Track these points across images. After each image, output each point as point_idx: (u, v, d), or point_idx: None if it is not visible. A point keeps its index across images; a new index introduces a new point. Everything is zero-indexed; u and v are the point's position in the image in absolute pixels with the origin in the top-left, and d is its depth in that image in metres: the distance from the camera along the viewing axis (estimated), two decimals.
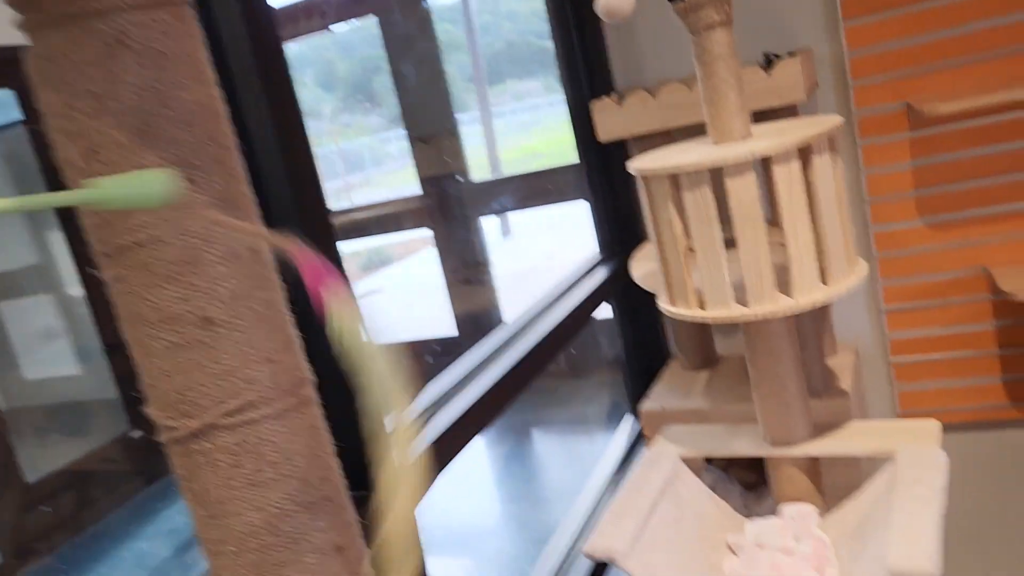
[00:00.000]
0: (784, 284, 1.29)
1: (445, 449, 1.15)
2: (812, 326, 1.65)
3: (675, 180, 1.28)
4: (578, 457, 3.43)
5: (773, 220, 1.32)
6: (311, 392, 0.58)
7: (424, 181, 3.63)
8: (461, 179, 3.61)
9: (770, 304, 1.27)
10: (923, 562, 1.05)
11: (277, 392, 0.55)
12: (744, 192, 1.20)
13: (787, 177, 1.20)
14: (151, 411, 0.54)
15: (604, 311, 2.09)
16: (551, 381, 3.52)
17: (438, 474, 1.13)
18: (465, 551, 3.07)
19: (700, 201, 1.24)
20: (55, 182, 0.46)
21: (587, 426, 3.29)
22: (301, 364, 0.57)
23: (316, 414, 0.58)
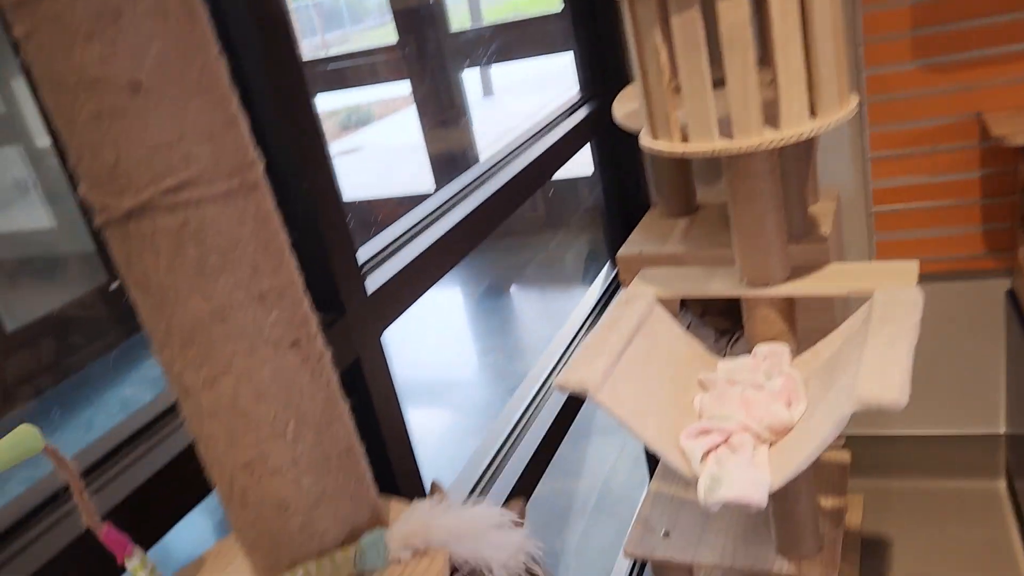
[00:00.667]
0: (771, 119, 1.24)
1: (414, 282, 1.12)
2: (795, 169, 1.61)
3: (663, 3, 1.20)
4: (557, 312, 3.45)
5: (763, 59, 1.26)
6: (259, 177, 0.53)
7: (400, 27, 3.47)
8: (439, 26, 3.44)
9: (755, 137, 1.22)
10: (892, 392, 1.06)
11: (219, 172, 0.51)
12: (735, 13, 1.13)
13: None
14: (83, 190, 0.50)
15: (585, 167, 2.03)
16: (531, 237, 3.50)
17: (410, 304, 1.11)
18: (442, 401, 3.13)
19: (688, 25, 1.17)
20: None
21: (567, 283, 3.29)
22: (247, 145, 0.53)
23: (265, 201, 0.54)
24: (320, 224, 0.90)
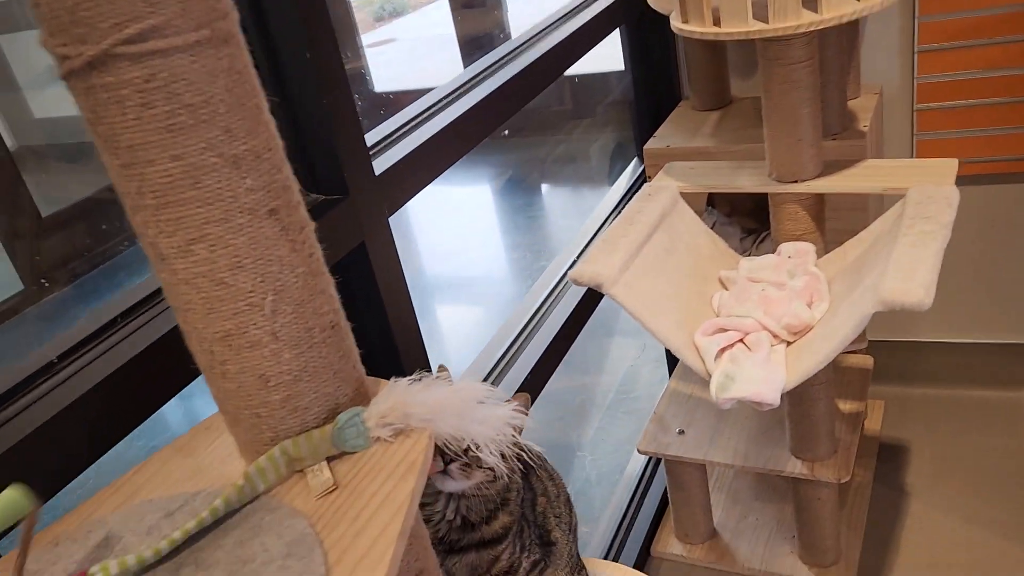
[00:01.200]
0: (811, 1, 1.16)
1: (427, 165, 1.09)
2: (836, 60, 1.52)
3: None
4: (587, 210, 3.40)
5: None
6: (233, 29, 0.50)
7: None
8: None
9: (792, 19, 1.14)
10: (916, 293, 1.02)
11: (188, 21, 0.47)
12: None
13: None
14: (43, 38, 0.47)
15: (616, 62, 1.94)
16: (560, 133, 3.41)
17: (421, 188, 1.07)
18: (469, 298, 3.13)
19: None
20: None
21: (597, 180, 3.22)
22: None
23: (240, 56, 0.50)
24: (323, 99, 0.86)
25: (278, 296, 0.54)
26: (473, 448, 0.60)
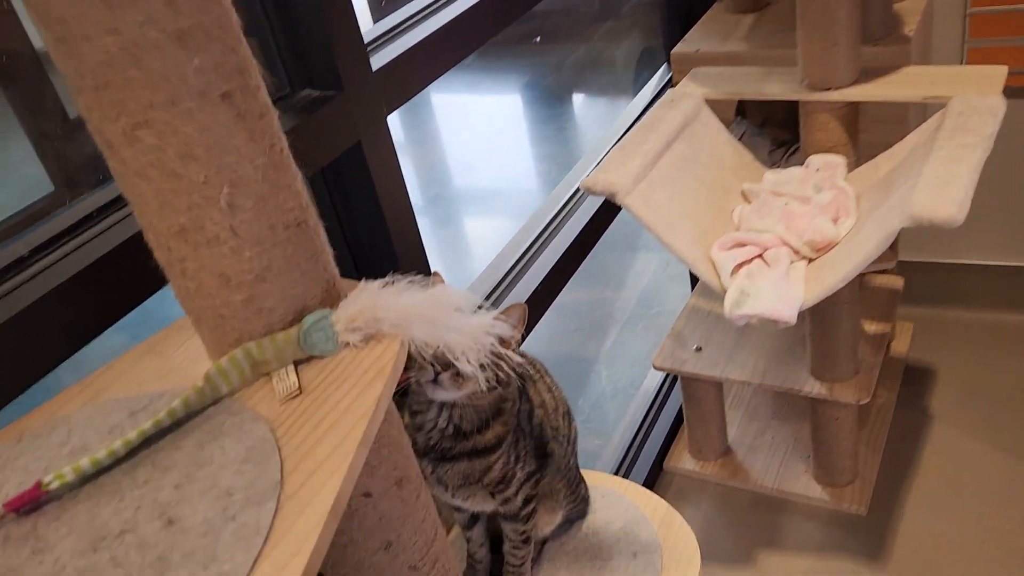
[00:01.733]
0: None
1: (430, 61, 1.03)
2: None
3: None
4: (616, 119, 3.29)
5: None
6: None
7: None
8: None
9: None
10: (948, 208, 0.95)
11: None
12: None
13: None
14: None
15: None
16: (594, 40, 3.28)
17: (423, 86, 1.02)
18: (495, 210, 3.08)
19: None
20: None
21: (628, 87, 3.11)
22: None
23: None
24: None
25: (235, 189, 0.50)
26: (449, 356, 0.57)
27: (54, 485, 0.49)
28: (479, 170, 3.32)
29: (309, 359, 0.56)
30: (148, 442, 0.53)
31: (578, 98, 3.51)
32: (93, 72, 0.46)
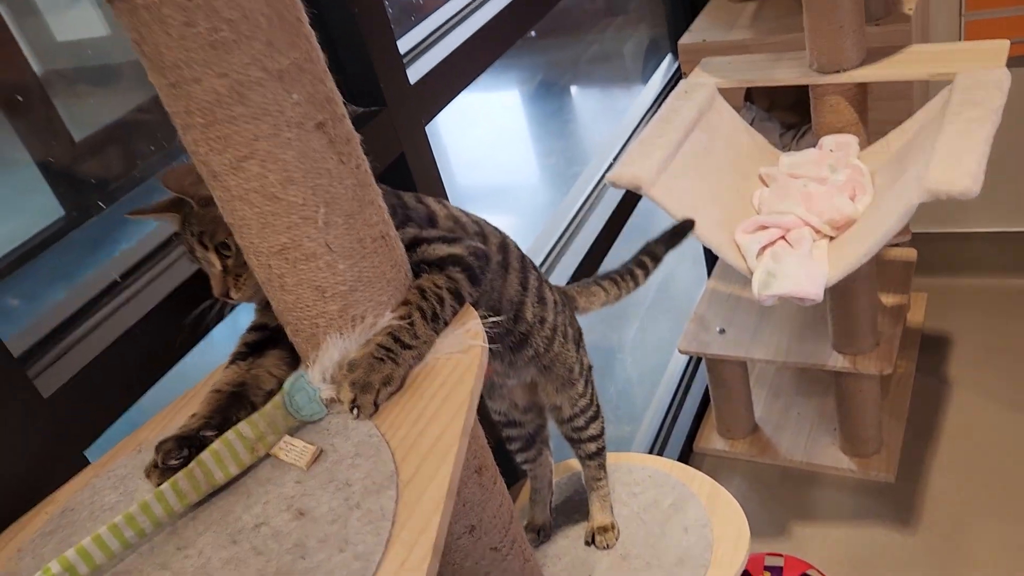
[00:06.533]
0: None
1: (460, 70, 1.07)
2: None
3: None
4: (620, 113, 3.33)
5: None
6: None
7: None
8: None
9: None
10: (963, 180, 1.00)
11: None
12: None
13: None
14: None
15: None
16: (595, 34, 3.32)
17: (456, 93, 1.06)
18: (503, 207, 3.12)
19: None
20: None
21: (629, 81, 3.15)
22: None
23: None
24: (353, 7, 0.85)
25: (329, 208, 0.55)
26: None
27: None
28: (483, 168, 3.35)
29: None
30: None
31: (580, 92, 3.55)
32: (202, 111, 0.51)
